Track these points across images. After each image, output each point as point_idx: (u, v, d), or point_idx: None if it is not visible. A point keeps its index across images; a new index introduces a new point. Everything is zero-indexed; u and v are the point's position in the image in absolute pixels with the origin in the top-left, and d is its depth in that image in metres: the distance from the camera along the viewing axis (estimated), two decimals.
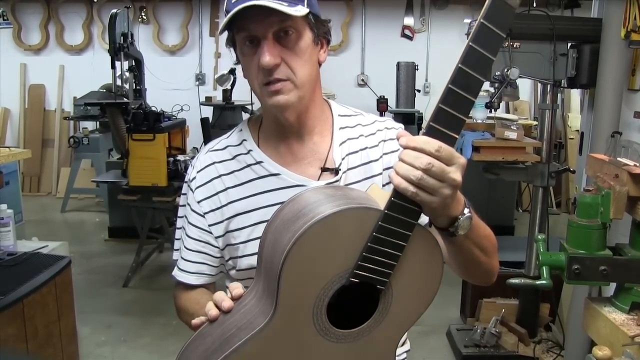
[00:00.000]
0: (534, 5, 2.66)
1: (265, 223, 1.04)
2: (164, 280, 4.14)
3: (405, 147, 0.80)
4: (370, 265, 0.85)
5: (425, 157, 0.78)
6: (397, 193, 0.82)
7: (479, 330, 2.97)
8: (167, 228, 4.14)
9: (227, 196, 1.09)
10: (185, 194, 1.16)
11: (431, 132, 0.80)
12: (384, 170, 1.11)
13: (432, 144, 0.78)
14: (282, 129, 1.09)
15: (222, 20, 0.99)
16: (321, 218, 0.82)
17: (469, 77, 0.79)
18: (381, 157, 1.12)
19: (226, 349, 0.86)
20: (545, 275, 1.41)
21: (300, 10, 0.96)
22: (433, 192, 0.79)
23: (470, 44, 0.79)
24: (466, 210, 0.88)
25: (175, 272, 1.16)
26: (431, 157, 0.78)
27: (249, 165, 1.10)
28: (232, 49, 1.07)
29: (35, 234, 3.66)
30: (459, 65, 0.79)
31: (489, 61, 0.80)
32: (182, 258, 1.15)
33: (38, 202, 6.29)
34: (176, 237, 1.19)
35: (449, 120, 0.80)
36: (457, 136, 0.81)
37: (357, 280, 0.85)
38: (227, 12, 0.98)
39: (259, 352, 0.87)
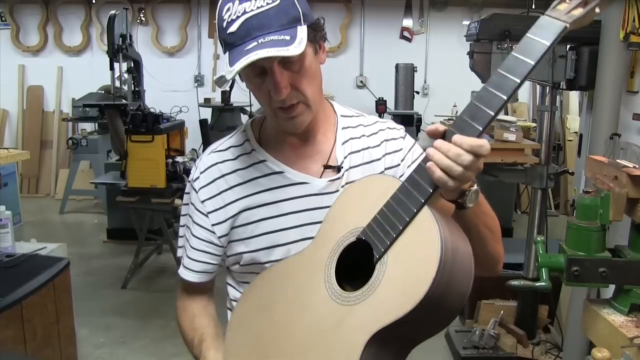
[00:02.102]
0: (533, 7, 2.67)
1: (269, 220, 1.08)
2: (163, 282, 4.14)
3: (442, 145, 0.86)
4: (376, 228, 0.91)
5: (466, 155, 0.84)
6: (418, 167, 0.89)
7: (477, 332, 2.98)
8: (165, 230, 4.14)
9: (231, 195, 1.11)
10: (188, 193, 1.17)
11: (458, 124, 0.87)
12: (385, 169, 1.13)
13: (468, 141, 0.84)
14: (285, 131, 1.10)
15: (219, 40, 1.00)
16: (362, 177, 1.04)
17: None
18: (383, 156, 1.14)
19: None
20: (544, 277, 1.41)
21: (302, 41, 0.94)
22: (465, 180, 0.87)
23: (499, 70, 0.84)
24: (474, 184, 0.91)
25: (180, 270, 1.18)
26: (469, 153, 0.84)
27: (252, 165, 1.11)
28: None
29: (33, 235, 3.66)
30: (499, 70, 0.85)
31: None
32: (187, 257, 1.17)
33: (36, 204, 6.28)
34: (179, 234, 1.21)
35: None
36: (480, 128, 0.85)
37: (363, 238, 0.92)
38: (222, 40, 0.98)
39: (293, 267, 1.03)
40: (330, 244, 0.98)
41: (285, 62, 0.97)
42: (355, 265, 0.94)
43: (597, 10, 0.80)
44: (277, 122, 1.07)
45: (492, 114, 0.83)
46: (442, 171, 0.84)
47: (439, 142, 0.86)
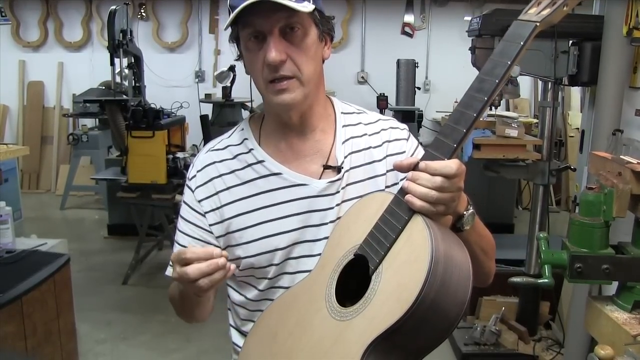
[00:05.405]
0: None
1: (267, 224, 1.05)
2: (163, 278, 4.10)
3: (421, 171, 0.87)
4: (371, 241, 0.90)
5: (435, 178, 0.85)
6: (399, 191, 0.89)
7: (478, 328, 2.97)
8: (166, 225, 4.14)
9: (228, 196, 1.08)
10: (185, 192, 1.14)
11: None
12: (387, 171, 1.10)
13: (432, 165, 0.86)
14: (283, 127, 1.08)
15: (226, 16, 0.99)
16: (362, 196, 1.03)
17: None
18: (385, 158, 1.11)
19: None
20: (547, 274, 1.40)
21: (307, 7, 0.96)
22: (447, 202, 0.87)
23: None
24: (470, 207, 0.94)
25: (168, 270, 1.10)
26: (437, 176, 0.85)
27: (250, 165, 1.09)
28: (234, 45, 1.06)
29: (34, 231, 3.64)
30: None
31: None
32: None
33: (37, 199, 6.27)
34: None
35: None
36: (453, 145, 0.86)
37: (360, 253, 0.92)
38: (232, 7, 0.97)
39: (296, 294, 1.03)
40: (331, 265, 0.97)
41: (285, 32, 0.97)
42: (359, 283, 0.92)
43: (565, 8, 0.84)
44: (269, 103, 1.05)
45: (464, 130, 0.85)
46: (421, 200, 0.85)
47: (410, 173, 0.87)
